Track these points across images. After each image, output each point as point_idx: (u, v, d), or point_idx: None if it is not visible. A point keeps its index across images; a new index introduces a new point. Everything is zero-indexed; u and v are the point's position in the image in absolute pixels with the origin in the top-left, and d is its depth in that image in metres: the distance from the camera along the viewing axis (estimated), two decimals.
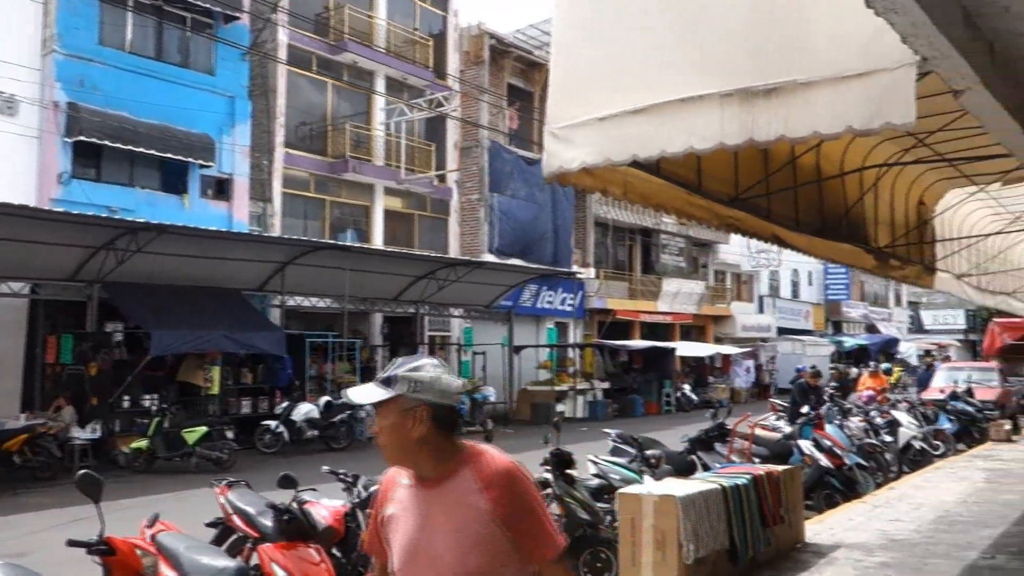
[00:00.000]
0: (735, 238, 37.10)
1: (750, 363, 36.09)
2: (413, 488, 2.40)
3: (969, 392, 18.53)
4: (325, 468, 5.83)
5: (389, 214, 24.48)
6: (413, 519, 2.35)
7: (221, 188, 19.91)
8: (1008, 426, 17.59)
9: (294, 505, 4.96)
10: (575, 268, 28.72)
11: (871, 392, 18.07)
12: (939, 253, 9.93)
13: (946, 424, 15.79)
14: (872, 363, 25.30)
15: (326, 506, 5.51)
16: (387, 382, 2.31)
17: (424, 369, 2.34)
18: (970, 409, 17.10)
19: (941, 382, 22.30)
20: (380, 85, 24.34)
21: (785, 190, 6.55)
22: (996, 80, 3.64)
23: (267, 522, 5.42)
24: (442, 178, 26.00)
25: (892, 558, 7.43)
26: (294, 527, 4.89)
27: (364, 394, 2.34)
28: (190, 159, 18.64)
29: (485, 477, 2.31)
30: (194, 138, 18.67)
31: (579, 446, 10.07)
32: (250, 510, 5.86)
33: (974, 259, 10.79)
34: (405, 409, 2.30)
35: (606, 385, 27.67)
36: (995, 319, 26.85)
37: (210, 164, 19.04)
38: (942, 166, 7.98)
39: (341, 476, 5.60)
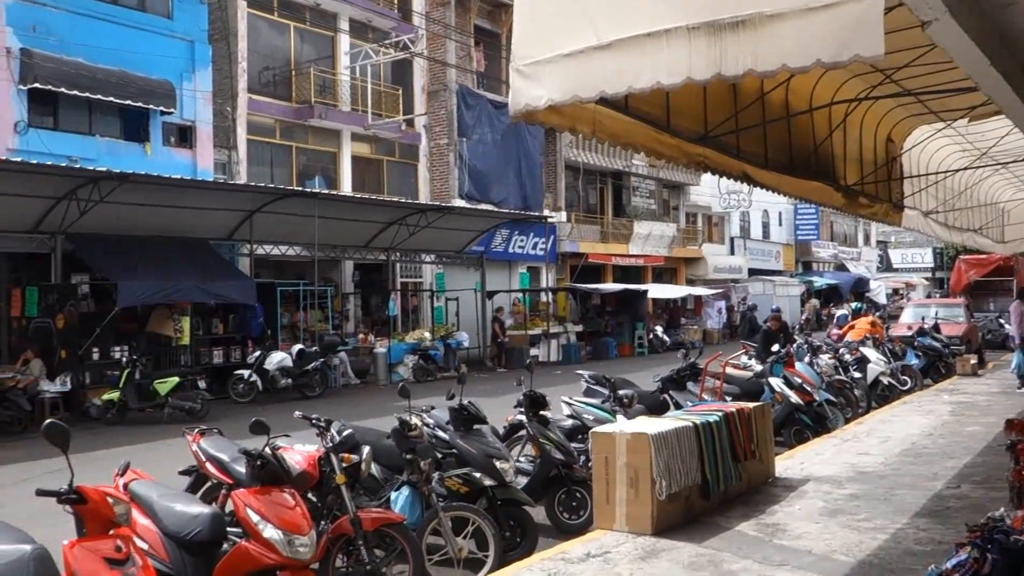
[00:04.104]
0: (706, 179, 37.20)
1: (722, 304, 36.43)
2: None
3: (936, 328, 18.85)
4: (297, 414, 5.80)
5: (357, 160, 24.18)
6: None
7: (184, 136, 19.50)
8: (974, 360, 17.99)
9: (267, 451, 4.94)
10: (546, 212, 28.65)
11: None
12: (907, 190, 9.99)
13: (913, 360, 16.08)
14: (856, 304, 25.52)
15: (300, 451, 5.50)
16: None
17: None
18: (937, 345, 17.41)
19: (909, 318, 22.68)
20: (344, 27, 23.83)
21: (754, 127, 6.52)
22: (963, 10, 3.61)
23: (240, 468, 5.41)
24: (410, 123, 25.67)
25: (860, 489, 7.61)
26: (268, 472, 4.87)
27: None
28: (150, 106, 18.19)
29: None
30: (154, 84, 18.20)
31: (553, 389, 10.16)
32: (223, 457, 5.85)
33: (941, 196, 10.87)
34: None
35: (579, 328, 27.83)
36: (962, 256, 27.26)
37: (171, 111, 18.61)
38: (910, 102, 7.98)
39: (314, 421, 5.57)
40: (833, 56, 3.56)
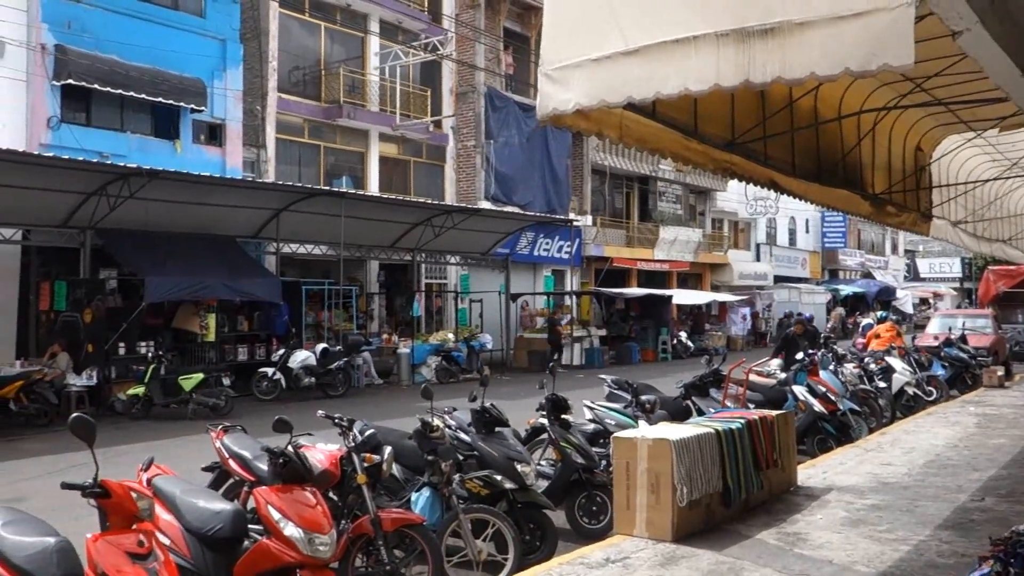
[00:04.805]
0: (732, 185, 36.96)
1: (746, 311, 36.18)
2: None
3: (963, 339, 18.62)
4: (320, 413, 5.83)
5: (384, 160, 24.30)
6: None
7: (213, 133, 19.70)
8: (1000, 372, 17.74)
9: (290, 449, 4.97)
10: (572, 215, 28.62)
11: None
12: (935, 200, 9.90)
13: (939, 370, 15.88)
14: (882, 313, 25.29)
15: (322, 450, 5.52)
16: None
17: None
18: (963, 356, 17.19)
19: (935, 329, 22.42)
20: (374, 28, 23.96)
21: (782, 134, 6.49)
22: (995, 21, 3.58)
23: (263, 466, 5.45)
24: (438, 124, 25.76)
25: (882, 500, 7.53)
26: (290, 470, 4.91)
27: None
28: (181, 103, 18.39)
29: None
30: (186, 82, 18.40)
31: (575, 392, 10.13)
32: (246, 454, 5.90)
33: (970, 206, 10.75)
34: None
35: (603, 332, 27.76)
36: (990, 267, 26.91)
37: (202, 109, 18.80)
38: (940, 111, 7.91)
39: (337, 420, 5.60)
40: (862, 65, 3.54)
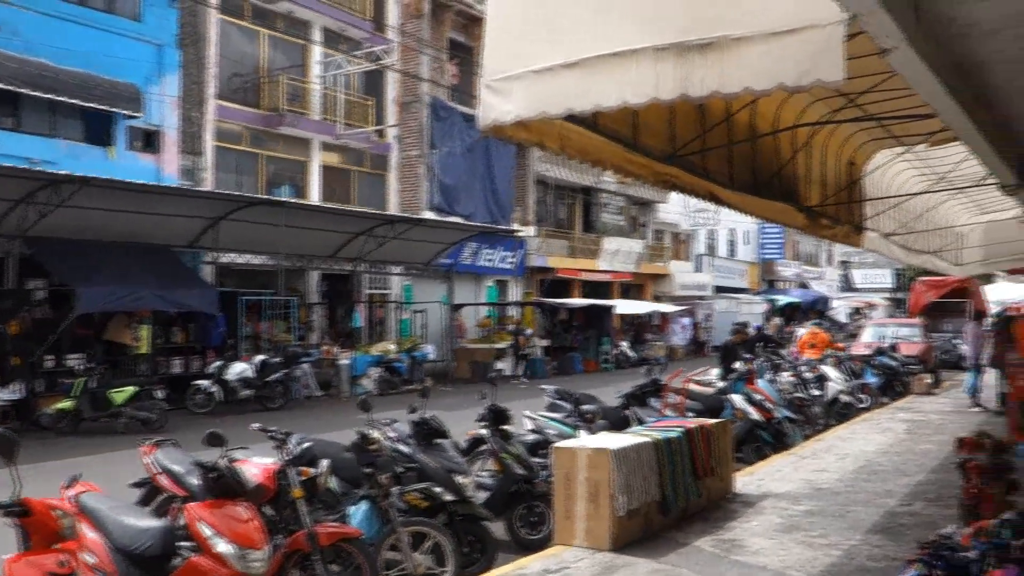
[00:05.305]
0: (674, 197, 37.44)
1: (687, 321, 36.65)
2: None
3: (894, 347, 19.14)
4: (255, 426, 5.72)
5: (326, 169, 24.05)
6: None
7: (149, 140, 19.26)
8: (929, 380, 18.29)
9: (222, 463, 4.86)
10: (515, 226, 28.68)
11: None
12: (868, 212, 10.14)
13: (871, 378, 16.29)
14: (810, 322, 25.85)
15: (257, 464, 5.41)
16: None
17: None
18: (894, 364, 17.66)
19: (868, 338, 23.00)
20: (317, 36, 23.74)
21: (721, 147, 6.59)
22: (920, 39, 3.68)
23: (195, 481, 5.32)
24: (381, 133, 25.60)
25: (816, 506, 7.68)
26: (222, 485, 4.80)
27: None
28: (115, 109, 17.95)
29: None
30: (119, 87, 17.97)
31: (517, 403, 10.13)
32: (177, 469, 5.76)
33: (901, 218, 11.05)
34: None
35: (546, 343, 27.85)
36: (920, 278, 27.70)
37: (137, 115, 18.37)
38: (872, 126, 8.12)
39: (272, 433, 5.49)
40: (795, 80, 3.63)
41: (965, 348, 17.41)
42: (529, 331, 26.70)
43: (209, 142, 20.56)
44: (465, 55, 28.71)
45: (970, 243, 14.40)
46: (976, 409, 14.74)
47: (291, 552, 5.04)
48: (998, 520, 4.42)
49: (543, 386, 10.59)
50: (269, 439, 5.50)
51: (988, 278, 27.61)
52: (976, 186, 9.73)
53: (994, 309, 24.66)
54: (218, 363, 17.17)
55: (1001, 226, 13.34)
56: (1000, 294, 30.60)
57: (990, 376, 14.65)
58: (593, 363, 28.91)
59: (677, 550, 6.25)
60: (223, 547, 4.41)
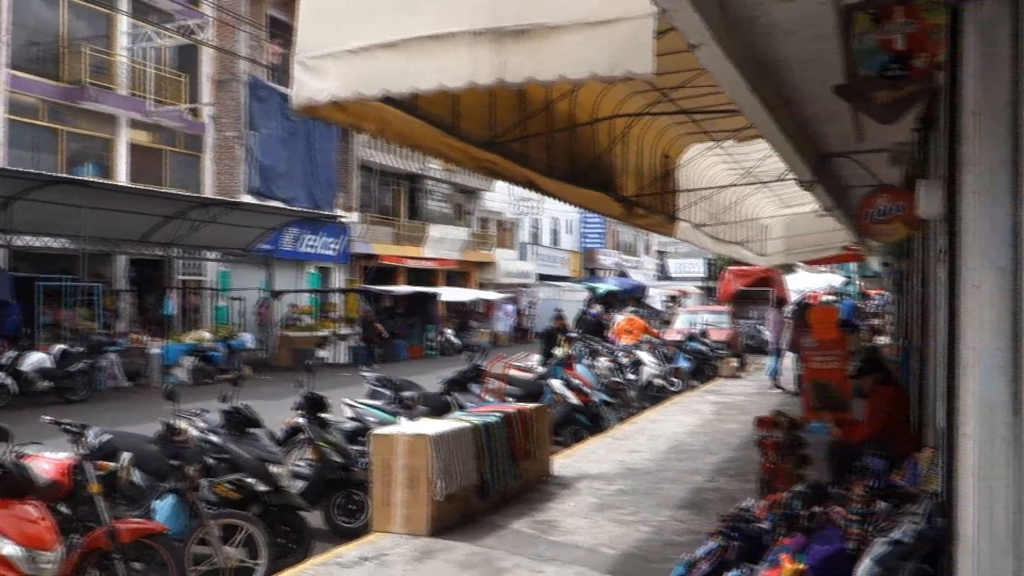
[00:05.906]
0: (499, 186, 37.95)
1: (511, 308, 37.29)
2: None
3: (704, 333, 20.26)
4: (46, 418, 5.32)
5: (135, 148, 22.63)
6: None
7: None
8: (735, 363, 19.50)
9: (8, 459, 4.49)
10: (339, 212, 28.14)
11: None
12: (680, 203, 10.65)
13: (683, 363, 17.16)
14: (629, 311, 26.89)
15: (49, 459, 5.05)
16: None
17: None
18: (704, 349, 18.69)
19: (681, 324, 24.25)
20: (124, 6, 22.24)
21: (540, 135, 6.70)
22: (726, 36, 3.87)
23: None
24: (195, 112, 24.38)
25: (629, 485, 8.00)
26: (8, 483, 4.43)
27: None
28: None
29: None
30: None
31: (338, 391, 9.97)
32: None
33: (711, 210, 11.68)
34: None
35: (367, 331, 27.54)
36: (729, 267, 29.47)
37: None
38: (684, 121, 8.51)
39: (65, 426, 5.11)
40: (608, 70, 3.71)
41: (768, 334, 18.64)
42: (242, 338, 23.66)
43: (1, 115, 18.87)
44: (286, 34, 27.76)
45: (773, 235, 15.44)
46: (776, 391, 15.83)
47: (89, 551, 4.74)
48: (790, 492, 4.75)
49: (363, 373, 10.46)
50: (63, 432, 5.14)
51: (789, 268, 29.72)
52: (778, 181, 10.43)
53: (794, 297, 26.69)
54: (12, 353, 15.86)
55: (800, 219, 14.38)
56: (800, 283, 33.14)
57: (789, 360, 15.80)
58: (418, 349, 28.88)
59: (495, 533, 6.34)
60: (9, 549, 4.10)
